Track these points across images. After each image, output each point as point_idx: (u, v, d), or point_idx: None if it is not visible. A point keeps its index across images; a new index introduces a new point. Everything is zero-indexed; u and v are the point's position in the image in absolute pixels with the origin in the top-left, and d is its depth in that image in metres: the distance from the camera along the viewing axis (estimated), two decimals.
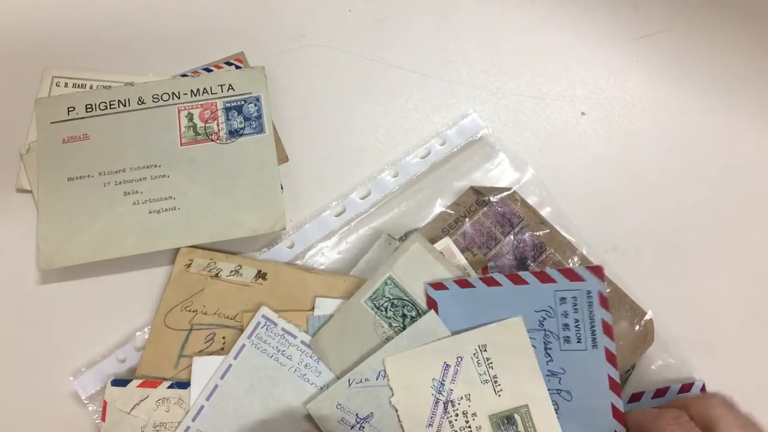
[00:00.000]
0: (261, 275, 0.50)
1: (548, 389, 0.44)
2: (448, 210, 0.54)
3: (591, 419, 0.44)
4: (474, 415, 0.45)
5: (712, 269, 0.55)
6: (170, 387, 0.46)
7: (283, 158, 0.56)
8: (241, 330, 0.48)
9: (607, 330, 0.45)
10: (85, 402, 0.48)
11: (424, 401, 0.45)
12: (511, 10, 0.62)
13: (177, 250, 0.52)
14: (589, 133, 0.59)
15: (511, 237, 0.53)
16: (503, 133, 0.59)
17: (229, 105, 0.56)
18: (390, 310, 0.47)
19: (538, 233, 0.53)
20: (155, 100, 0.55)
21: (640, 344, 0.51)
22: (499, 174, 0.56)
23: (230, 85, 0.56)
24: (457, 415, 0.45)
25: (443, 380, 0.45)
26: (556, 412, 0.44)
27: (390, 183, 0.55)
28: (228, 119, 0.55)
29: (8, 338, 0.51)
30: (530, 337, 0.45)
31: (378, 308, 0.47)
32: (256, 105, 0.56)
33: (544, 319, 0.46)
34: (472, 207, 0.54)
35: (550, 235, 0.53)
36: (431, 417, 0.45)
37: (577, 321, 0.45)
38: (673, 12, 0.63)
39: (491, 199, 0.54)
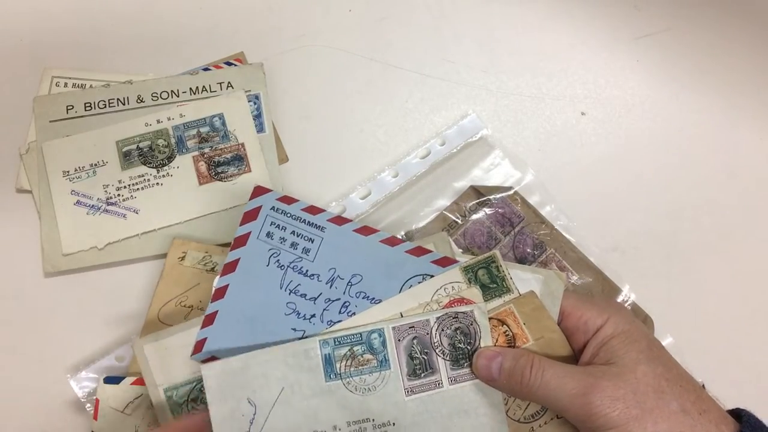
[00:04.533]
0: None
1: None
2: (448, 210, 0.54)
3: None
4: None
5: (712, 269, 0.55)
6: None
7: (283, 158, 0.56)
8: None
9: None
10: (83, 400, 0.48)
11: None
12: (511, 9, 0.62)
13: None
14: (589, 133, 0.59)
15: (512, 237, 0.53)
16: (503, 133, 0.58)
17: None
18: None
19: (538, 233, 0.53)
20: (154, 98, 0.55)
21: None
22: (499, 174, 0.56)
23: (229, 82, 0.56)
24: None
25: None
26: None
27: (390, 183, 0.55)
28: None
29: (7, 338, 0.51)
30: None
31: None
32: (255, 103, 0.56)
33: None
34: (473, 207, 0.54)
35: (550, 235, 0.53)
36: None
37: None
38: (673, 12, 0.63)
39: (491, 198, 0.54)
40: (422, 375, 0.43)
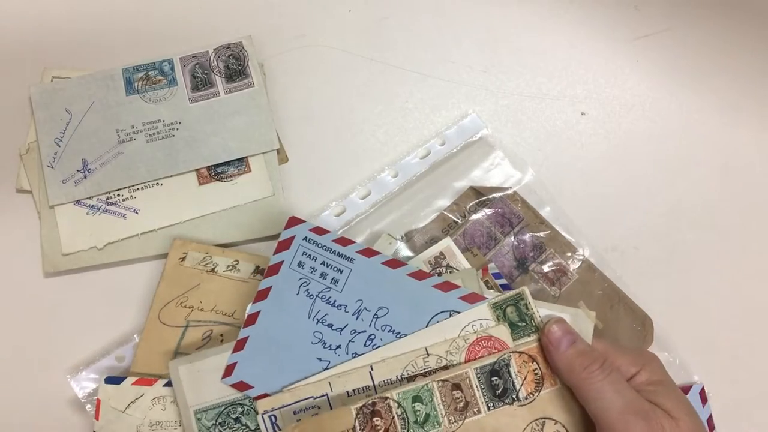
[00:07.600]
0: (259, 271, 0.50)
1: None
2: (447, 210, 0.54)
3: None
4: None
5: (712, 269, 0.55)
6: (166, 385, 0.46)
7: (283, 158, 0.56)
8: (239, 328, 0.46)
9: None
10: (83, 401, 0.48)
11: None
12: (511, 9, 0.62)
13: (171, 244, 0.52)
14: (589, 133, 0.59)
15: (511, 237, 0.53)
16: (503, 133, 0.58)
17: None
18: None
19: (538, 233, 0.53)
20: None
21: (639, 344, 0.50)
22: (499, 174, 0.56)
23: None
24: None
25: None
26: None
27: (390, 183, 0.55)
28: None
29: (7, 338, 0.51)
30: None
31: None
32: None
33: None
34: (472, 207, 0.54)
35: (550, 235, 0.53)
36: None
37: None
38: (673, 12, 0.63)
39: (491, 199, 0.54)
40: (203, 89, 0.56)
